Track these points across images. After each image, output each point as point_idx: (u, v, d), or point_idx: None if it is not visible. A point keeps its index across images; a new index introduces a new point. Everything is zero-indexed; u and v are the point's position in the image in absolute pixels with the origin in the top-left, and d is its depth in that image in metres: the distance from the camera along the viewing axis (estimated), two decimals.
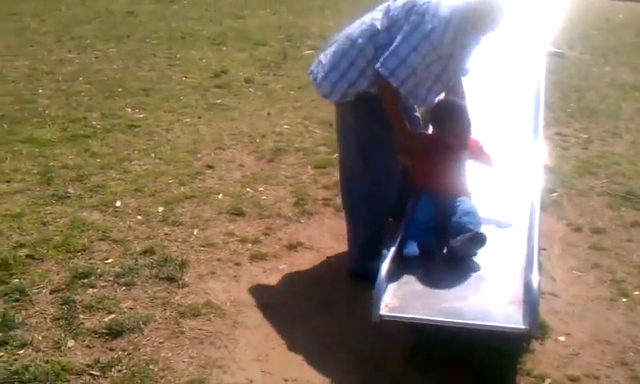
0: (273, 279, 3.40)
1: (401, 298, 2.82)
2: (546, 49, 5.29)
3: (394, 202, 3.34)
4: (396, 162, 3.22)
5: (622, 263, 3.56)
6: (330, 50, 3.28)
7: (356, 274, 3.39)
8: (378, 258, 2.92)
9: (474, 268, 3.06)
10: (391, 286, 2.87)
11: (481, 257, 3.14)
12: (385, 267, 2.85)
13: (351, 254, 3.47)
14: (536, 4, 5.27)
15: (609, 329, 3.03)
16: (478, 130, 4.14)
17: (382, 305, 2.72)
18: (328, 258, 3.63)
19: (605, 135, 5.42)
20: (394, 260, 3.01)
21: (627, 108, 6.10)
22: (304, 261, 3.59)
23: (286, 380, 2.68)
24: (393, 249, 3.03)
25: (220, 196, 4.28)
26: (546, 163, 4.43)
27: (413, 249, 3.10)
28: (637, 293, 3.29)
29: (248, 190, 4.39)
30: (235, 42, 8.91)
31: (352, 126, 3.30)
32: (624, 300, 3.25)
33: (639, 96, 6.52)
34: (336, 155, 4.90)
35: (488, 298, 2.83)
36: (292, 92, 6.58)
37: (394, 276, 2.92)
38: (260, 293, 3.26)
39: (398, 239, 3.12)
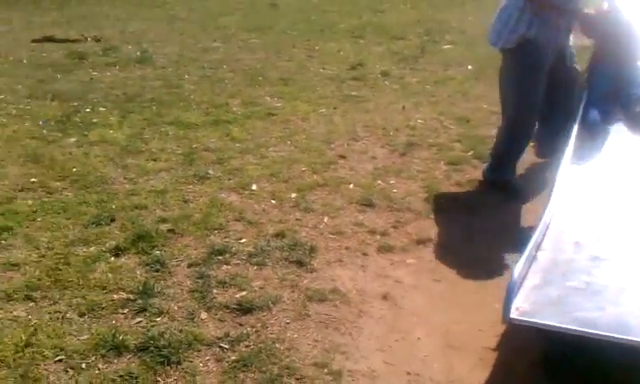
0: (399, 272, 3.38)
1: (533, 302, 2.72)
2: None
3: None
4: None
5: None
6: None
7: (486, 180, 4.35)
8: (510, 171, 4.25)
9: (613, 276, 2.89)
10: (524, 289, 2.77)
11: (619, 263, 2.97)
12: (518, 268, 2.76)
13: (489, 162, 4.39)
14: None
15: None
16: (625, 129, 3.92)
17: (513, 307, 2.64)
18: (457, 256, 3.56)
19: None
20: (528, 261, 2.91)
21: None
22: (432, 257, 3.54)
23: (408, 373, 2.66)
24: (527, 250, 2.93)
25: (351, 186, 4.32)
26: None
27: (594, 116, 3.21)
28: None
29: (379, 182, 4.40)
30: (373, 35, 8.94)
31: (512, 68, 4.10)
32: None
33: None
34: (471, 153, 4.84)
35: (628, 310, 2.67)
36: (428, 86, 6.51)
37: (526, 278, 2.83)
38: (386, 284, 3.26)
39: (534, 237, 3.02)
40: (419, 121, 5.53)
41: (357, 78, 6.84)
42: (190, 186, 4.24)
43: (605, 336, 2.52)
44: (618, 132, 3.98)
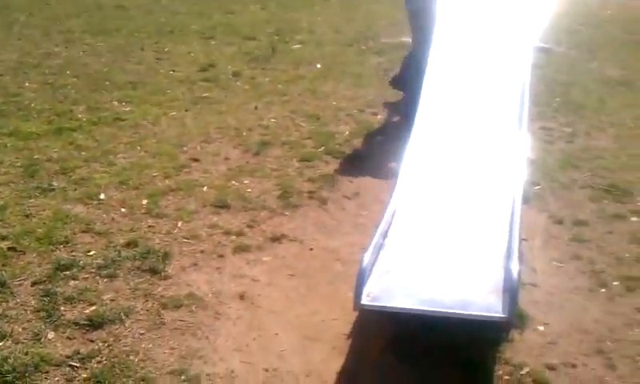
0: (256, 271, 3.40)
1: (382, 287, 2.85)
2: (534, 44, 5.32)
3: None
4: None
5: (602, 254, 3.58)
6: None
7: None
8: None
9: (456, 258, 3.09)
10: (373, 275, 2.89)
11: (462, 245, 3.18)
12: (367, 256, 2.88)
13: None
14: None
15: (587, 318, 3.05)
16: (464, 122, 4.21)
17: (364, 294, 2.74)
18: (311, 249, 3.63)
19: (589, 129, 5.43)
20: (377, 248, 3.04)
21: (612, 103, 6.12)
22: (287, 253, 3.59)
23: (266, 370, 2.69)
24: (375, 238, 3.06)
25: (205, 188, 4.28)
26: (530, 156, 4.45)
27: None
28: (615, 283, 3.31)
29: (233, 182, 4.39)
30: (224, 36, 8.87)
31: None
32: (602, 290, 3.27)
33: (624, 91, 6.54)
34: (322, 149, 4.96)
35: (469, 288, 2.86)
36: (280, 86, 6.57)
37: (376, 265, 2.95)
38: (242, 284, 3.27)
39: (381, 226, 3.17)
40: (272, 120, 5.57)
41: (208, 79, 6.77)
42: (32, 200, 4.00)
43: (449, 313, 2.69)
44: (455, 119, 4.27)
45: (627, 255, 3.57)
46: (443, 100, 4.48)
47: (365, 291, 2.75)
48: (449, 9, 5.27)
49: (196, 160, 4.74)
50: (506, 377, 2.69)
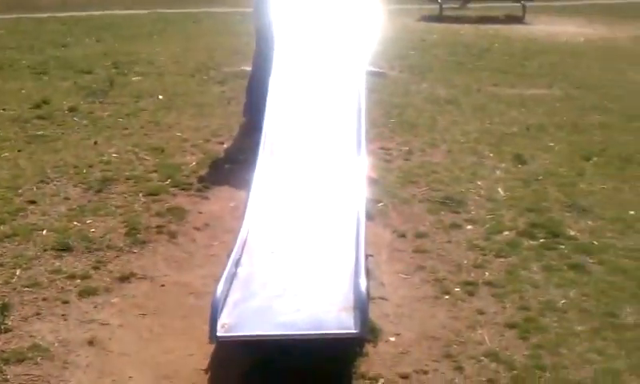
0: (105, 314, 3.26)
1: (237, 317, 2.84)
2: (367, 68, 5.61)
3: None
4: None
5: (444, 263, 3.82)
6: None
7: None
8: None
9: (307, 279, 3.16)
10: (227, 306, 2.88)
11: (312, 267, 3.26)
12: (220, 287, 2.86)
13: None
14: (355, 26, 5.56)
15: (434, 325, 3.24)
16: (308, 147, 4.34)
17: (219, 326, 2.72)
18: (163, 286, 3.55)
19: (424, 146, 5.79)
20: (230, 278, 3.03)
21: (442, 121, 6.57)
22: (138, 292, 3.48)
23: None
24: (227, 269, 3.06)
25: (44, 232, 4.05)
26: (372, 176, 4.66)
27: None
28: (457, 289, 3.55)
29: (75, 223, 4.18)
30: (58, 70, 8.48)
31: None
32: (447, 297, 3.49)
33: (452, 109, 7.05)
34: (168, 181, 4.87)
35: (321, 308, 2.93)
36: (120, 119, 6.38)
37: (229, 295, 2.94)
38: (91, 329, 3.12)
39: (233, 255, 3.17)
40: (113, 155, 5.39)
41: (42, 116, 6.42)
42: None
43: (304, 335, 2.75)
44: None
45: (465, 262, 3.83)
46: (287, 127, 4.59)
47: (219, 323, 2.74)
48: (285, 35, 5.44)
49: (33, 202, 4.46)
50: None
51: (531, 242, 4.07)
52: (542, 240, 4.10)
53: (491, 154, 5.66)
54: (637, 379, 2.86)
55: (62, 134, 5.93)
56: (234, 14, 12.74)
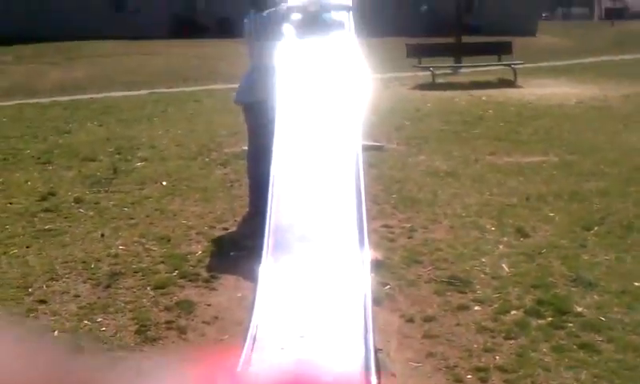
0: None
1: None
2: (364, 142, 5.70)
3: None
4: None
5: (453, 348, 3.84)
6: None
7: None
8: None
9: (316, 375, 3.17)
10: None
11: (321, 362, 3.27)
12: None
13: None
14: (348, 100, 5.67)
15: None
16: (310, 234, 4.39)
17: None
18: None
19: (426, 223, 5.87)
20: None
21: (443, 194, 6.67)
22: None
23: None
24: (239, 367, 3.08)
25: (56, 333, 4.08)
26: (377, 257, 4.71)
27: None
28: (469, 376, 3.56)
29: (85, 322, 4.22)
30: (62, 159, 8.63)
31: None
32: None
33: (452, 181, 7.16)
34: (176, 273, 4.92)
35: None
36: (126, 209, 6.48)
37: None
38: None
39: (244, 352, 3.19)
40: (120, 247, 5.46)
41: (49, 209, 6.52)
42: None
43: None
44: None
45: (475, 346, 3.85)
46: (288, 214, 4.65)
47: None
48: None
49: (44, 302, 4.50)
50: None
51: (539, 322, 4.10)
52: (549, 319, 4.13)
53: (493, 228, 5.73)
54: None
55: (69, 226, 6.01)
56: (231, 91, 13.01)
